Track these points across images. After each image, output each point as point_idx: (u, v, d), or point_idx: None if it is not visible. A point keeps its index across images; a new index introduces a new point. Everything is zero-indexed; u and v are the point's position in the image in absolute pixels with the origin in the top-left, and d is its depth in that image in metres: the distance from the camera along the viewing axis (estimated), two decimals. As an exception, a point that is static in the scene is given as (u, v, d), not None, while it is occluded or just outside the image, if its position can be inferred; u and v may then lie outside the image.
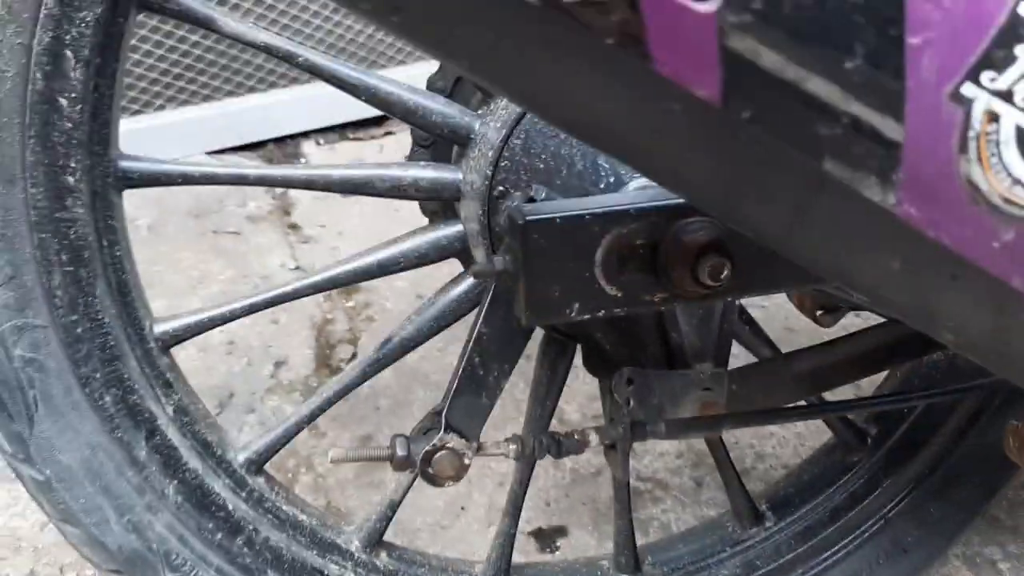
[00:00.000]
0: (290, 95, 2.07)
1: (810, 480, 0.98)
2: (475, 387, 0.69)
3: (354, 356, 1.47)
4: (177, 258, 1.69)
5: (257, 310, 0.79)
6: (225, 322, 0.79)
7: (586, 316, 0.65)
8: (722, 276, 0.62)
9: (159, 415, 0.75)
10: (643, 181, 0.73)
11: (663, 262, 0.64)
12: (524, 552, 1.14)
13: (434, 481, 0.68)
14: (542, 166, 0.74)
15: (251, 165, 0.75)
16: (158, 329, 0.77)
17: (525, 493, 0.90)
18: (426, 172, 0.78)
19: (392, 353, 0.81)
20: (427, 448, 0.67)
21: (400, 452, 0.67)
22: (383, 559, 0.87)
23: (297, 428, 0.82)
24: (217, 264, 1.67)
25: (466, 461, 0.68)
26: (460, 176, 0.78)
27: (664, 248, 0.64)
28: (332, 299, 1.61)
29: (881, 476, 0.94)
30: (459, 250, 0.80)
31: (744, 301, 0.94)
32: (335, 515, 1.08)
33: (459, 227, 0.80)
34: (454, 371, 0.69)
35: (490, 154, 0.74)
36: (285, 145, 2.11)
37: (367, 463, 0.67)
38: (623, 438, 0.72)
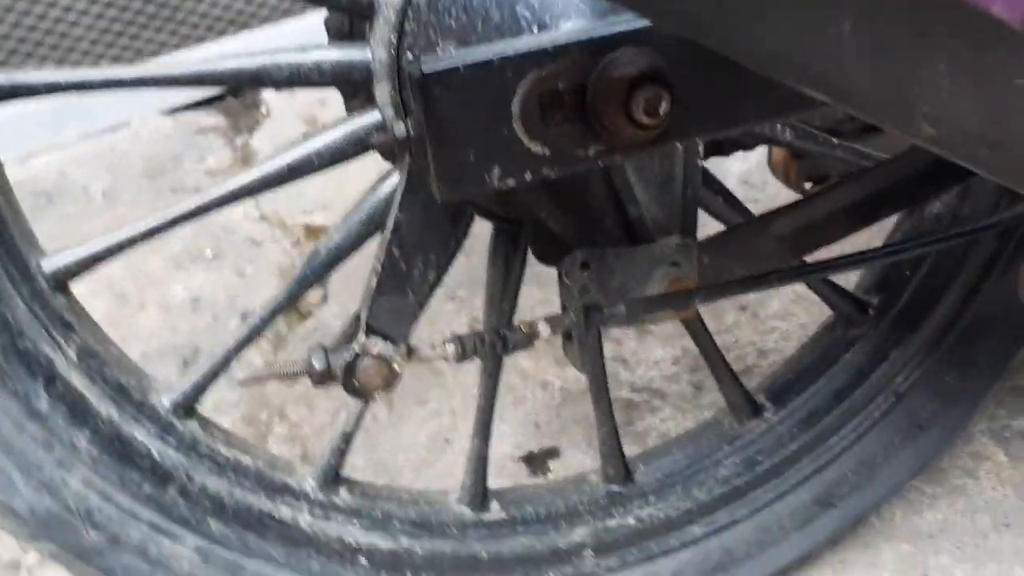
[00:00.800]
0: (242, 42, 1.96)
1: (810, 363, 0.88)
2: (398, 283, 0.60)
3: (324, 299, 1.38)
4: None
5: (160, 231, 0.70)
6: (123, 249, 0.70)
7: (511, 182, 0.56)
8: (660, 110, 0.52)
9: (57, 360, 0.66)
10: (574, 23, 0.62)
11: (593, 106, 0.54)
12: (515, 478, 1.06)
13: (363, 395, 0.59)
14: (453, 23, 0.63)
15: (127, 71, 0.65)
16: (48, 265, 0.68)
17: (492, 408, 0.81)
18: (330, 53, 0.68)
19: (320, 267, 0.72)
20: (347, 358, 0.58)
21: (318, 365, 0.58)
22: (343, 496, 0.78)
23: (225, 362, 0.73)
24: (177, 222, 1.58)
25: (396, 368, 0.59)
26: (369, 54, 0.68)
27: (592, 89, 0.54)
28: (300, 245, 1.53)
29: (888, 348, 0.85)
30: (395, 140, 0.70)
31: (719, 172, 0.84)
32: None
33: (377, 114, 0.70)
34: (372, 267, 0.60)
35: (393, 19, 0.64)
36: (244, 96, 2.01)
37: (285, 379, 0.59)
38: (578, 326, 0.63)
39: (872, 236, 0.96)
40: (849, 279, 0.95)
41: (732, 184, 1.45)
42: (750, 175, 1.44)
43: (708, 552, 0.83)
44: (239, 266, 1.46)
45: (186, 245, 1.52)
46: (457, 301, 1.33)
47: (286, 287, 0.73)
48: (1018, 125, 0.40)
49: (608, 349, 1.21)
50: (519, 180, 0.55)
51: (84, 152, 1.76)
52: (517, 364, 1.19)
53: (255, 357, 1.28)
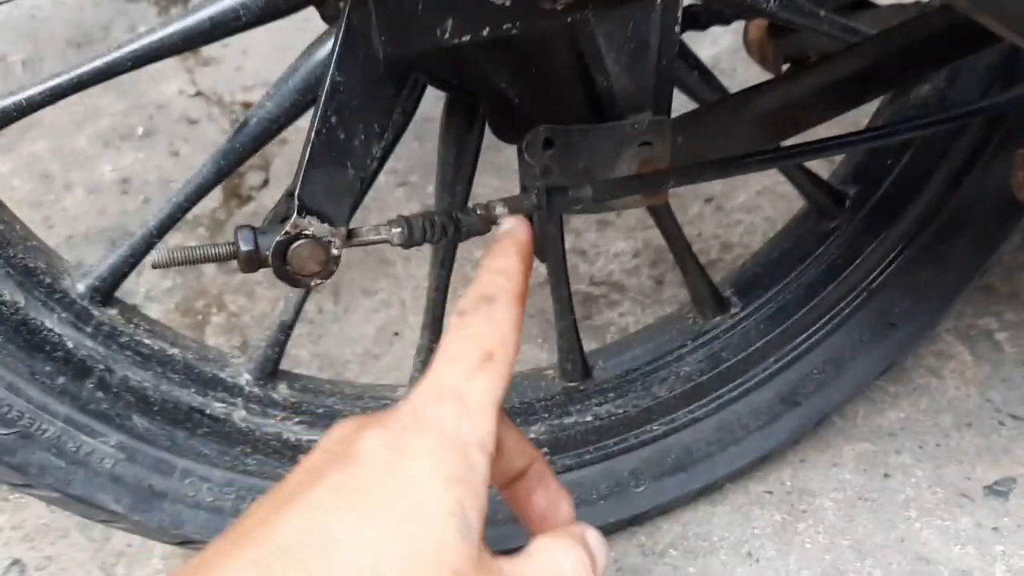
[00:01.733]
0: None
1: (780, 257, 0.84)
2: (336, 155, 0.52)
3: (266, 183, 1.30)
4: (59, 94, 1.48)
5: (59, 97, 0.61)
6: (22, 115, 0.61)
7: (467, 38, 0.48)
8: (640, -45, 0.45)
9: (-51, 238, 0.58)
10: None
11: (561, -51, 0.46)
12: (467, 374, 1.01)
13: (295, 281, 0.52)
14: None
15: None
16: (-67, 130, 0.59)
17: (445, 300, 0.75)
18: None
19: (249, 140, 0.65)
20: (278, 239, 0.51)
21: (245, 246, 0.51)
22: (282, 391, 0.73)
23: (146, 244, 0.66)
24: (107, 98, 1.46)
25: (334, 251, 0.53)
26: None
27: (561, -70, 0.46)
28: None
29: (863, 243, 0.81)
30: (315, -6, 0.61)
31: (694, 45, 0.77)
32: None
33: (313, -38, 0.61)
34: (306, 137, 0.53)
35: None
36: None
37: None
38: (540, 209, 0.57)
39: (848, 124, 0.90)
40: (822, 171, 0.90)
41: (701, 69, 1.38)
42: (719, 60, 1.37)
43: (667, 450, 0.80)
44: (173, 145, 1.36)
45: (115, 122, 1.41)
46: (409, 187, 1.26)
47: (211, 161, 0.65)
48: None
49: (568, 241, 1.16)
50: (475, 36, 0.48)
51: (2, 18, 1.61)
52: (471, 254, 1.13)
53: (192, 243, 1.20)
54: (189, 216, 1.24)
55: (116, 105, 1.45)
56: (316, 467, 0.43)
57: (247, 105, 1.44)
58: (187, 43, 0.61)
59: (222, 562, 0.38)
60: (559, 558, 0.46)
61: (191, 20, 0.60)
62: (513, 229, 0.55)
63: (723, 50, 1.37)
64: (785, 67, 0.94)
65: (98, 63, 0.60)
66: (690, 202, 1.18)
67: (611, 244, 1.15)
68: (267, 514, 0.41)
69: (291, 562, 0.38)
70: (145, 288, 1.11)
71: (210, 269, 1.12)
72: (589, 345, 0.87)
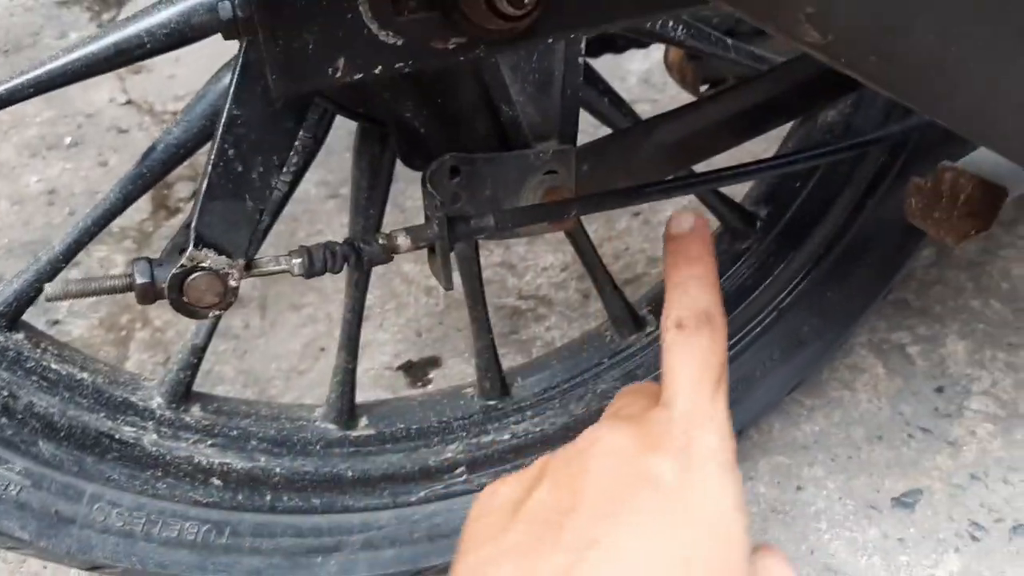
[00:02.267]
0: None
1: (695, 276, 0.85)
2: (233, 188, 0.53)
3: (195, 195, 1.28)
4: (-17, 102, 1.45)
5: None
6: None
7: (359, 76, 0.49)
8: (525, 0, 0.46)
9: None
10: None
11: (451, -9, 0.47)
12: (393, 389, 1.02)
13: (193, 312, 0.52)
14: None
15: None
16: None
17: (360, 321, 0.76)
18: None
19: (157, 164, 0.65)
20: (174, 271, 0.51)
21: (141, 279, 0.51)
22: (195, 414, 0.73)
23: (52, 268, 0.66)
24: (33, 105, 1.44)
25: (232, 283, 0.53)
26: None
27: (449, -28, 0.47)
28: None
29: (773, 263, 0.83)
30: (221, 22, 0.61)
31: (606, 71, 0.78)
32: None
33: (216, -9, 0.61)
34: (203, 169, 0.53)
35: None
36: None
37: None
38: (441, 237, 0.58)
39: (766, 148, 0.92)
40: (738, 192, 0.92)
41: (632, 84, 1.40)
42: (651, 75, 1.39)
43: (583, 467, 0.81)
44: (102, 155, 1.34)
45: (42, 131, 1.39)
46: (340, 199, 1.26)
47: (119, 186, 0.65)
48: (911, 32, 0.36)
49: (496, 255, 1.17)
50: (368, 74, 0.49)
51: (-74, 22, 1.58)
52: (400, 269, 1.14)
53: (118, 256, 1.19)
54: (116, 228, 1.23)
55: (44, 113, 1.43)
56: (612, 486, 0.47)
57: (178, 114, 1.42)
58: (88, 72, 0.60)
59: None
60: None
61: (94, 47, 0.60)
62: (697, 229, 0.56)
63: (654, 65, 1.39)
64: (704, 88, 0.97)
65: (-2, 89, 0.60)
66: (617, 216, 1.20)
67: (540, 258, 1.16)
68: (584, 525, 0.44)
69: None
70: (68, 303, 1.10)
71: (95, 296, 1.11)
72: (515, 359, 0.88)
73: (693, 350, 0.51)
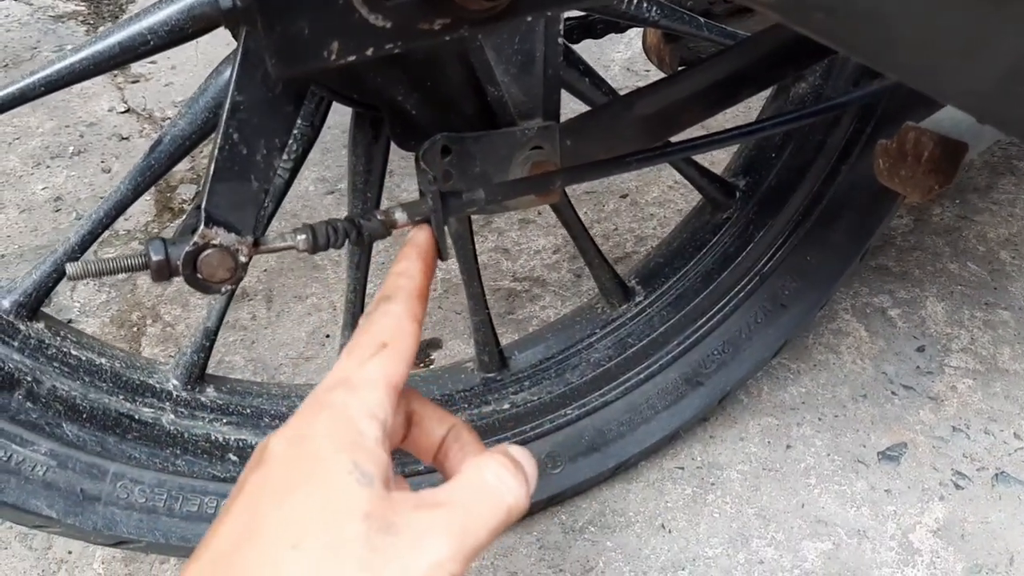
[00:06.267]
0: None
1: (679, 247, 0.90)
2: (239, 169, 0.56)
3: (198, 196, 1.32)
4: (-14, 116, 1.49)
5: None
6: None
7: (352, 58, 0.53)
8: (505, -20, 0.50)
9: None
10: None
11: (433, -24, 0.51)
12: (396, 371, 1.05)
13: (206, 287, 0.56)
14: None
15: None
16: None
17: (363, 302, 0.80)
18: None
19: (164, 156, 0.68)
20: (187, 249, 0.55)
21: (156, 256, 0.55)
22: (209, 394, 0.77)
23: (69, 258, 0.69)
24: (36, 117, 1.48)
25: (241, 259, 0.56)
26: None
27: (432, -43, 0.51)
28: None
29: (753, 230, 0.86)
30: (222, 12, 0.65)
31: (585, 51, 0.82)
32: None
33: (215, -12, 0.65)
34: (210, 153, 0.57)
35: None
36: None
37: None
38: (435, 211, 0.61)
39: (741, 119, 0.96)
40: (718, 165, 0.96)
41: (616, 71, 1.44)
42: (633, 63, 1.43)
43: (581, 432, 0.85)
44: (104, 162, 1.38)
45: (46, 141, 1.43)
46: (338, 194, 1.30)
47: (129, 178, 0.69)
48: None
49: (491, 240, 1.21)
50: (360, 56, 0.52)
51: (-74, 40, 1.62)
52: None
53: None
54: (122, 230, 1.27)
55: (46, 124, 1.47)
56: (239, 482, 0.47)
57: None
58: (96, 70, 0.64)
59: None
60: (483, 471, 0.49)
61: (100, 47, 0.64)
62: (414, 236, 0.60)
63: (636, 52, 1.43)
64: (681, 69, 1.00)
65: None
66: (606, 198, 1.24)
67: (532, 241, 1.20)
68: (207, 535, 0.45)
69: (224, 563, 0.42)
70: (80, 303, 1.14)
71: (144, 281, 1.15)
72: (513, 338, 0.92)
73: (361, 328, 0.52)
